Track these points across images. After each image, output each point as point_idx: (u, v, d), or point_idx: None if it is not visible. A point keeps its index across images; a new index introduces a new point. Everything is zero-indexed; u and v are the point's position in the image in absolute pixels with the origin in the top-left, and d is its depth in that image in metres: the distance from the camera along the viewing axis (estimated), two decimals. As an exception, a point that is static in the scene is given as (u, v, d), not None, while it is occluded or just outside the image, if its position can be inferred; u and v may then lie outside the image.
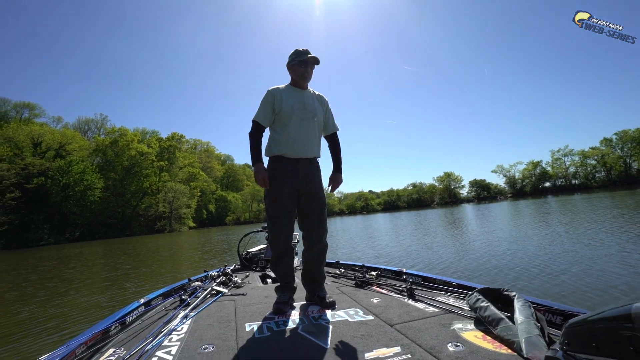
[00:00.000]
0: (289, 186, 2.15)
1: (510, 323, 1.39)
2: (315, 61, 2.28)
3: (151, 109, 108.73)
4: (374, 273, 2.78)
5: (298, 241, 3.53)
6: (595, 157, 63.34)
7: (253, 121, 2.22)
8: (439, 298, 2.07)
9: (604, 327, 0.74)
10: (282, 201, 2.15)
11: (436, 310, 1.87)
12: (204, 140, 76.36)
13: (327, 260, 2.96)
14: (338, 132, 2.46)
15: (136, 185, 49.80)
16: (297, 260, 3.60)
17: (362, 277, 2.71)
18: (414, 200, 75.21)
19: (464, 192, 76.01)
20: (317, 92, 2.38)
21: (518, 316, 1.39)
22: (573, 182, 66.06)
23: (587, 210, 14.53)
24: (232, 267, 3.79)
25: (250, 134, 2.19)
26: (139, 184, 49.82)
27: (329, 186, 2.36)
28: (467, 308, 1.81)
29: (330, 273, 3.10)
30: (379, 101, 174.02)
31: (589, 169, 64.62)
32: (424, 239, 10.25)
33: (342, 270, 3.12)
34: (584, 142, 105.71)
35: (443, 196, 73.29)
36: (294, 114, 2.17)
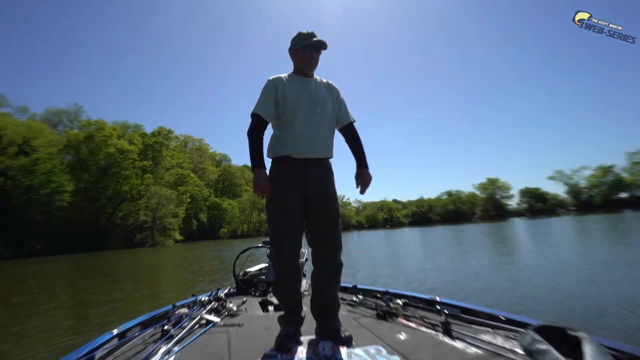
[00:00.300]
0: (296, 192, 2.18)
1: None
2: (322, 45, 2.32)
3: (134, 100, 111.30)
4: (399, 301, 2.76)
5: (307, 260, 3.55)
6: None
7: (253, 115, 2.24)
8: (482, 336, 2.03)
9: None
10: (287, 210, 2.16)
11: (480, 352, 1.82)
12: (196, 137, 77.58)
13: (342, 284, 2.95)
14: (355, 125, 2.49)
15: (113, 188, 50.62)
16: (305, 284, 3.62)
17: (386, 307, 2.68)
18: (450, 212, 74.71)
19: (512, 203, 75.38)
20: (324, 80, 2.43)
21: None
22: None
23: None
24: (226, 291, 3.81)
25: (249, 131, 2.22)
26: (117, 187, 50.66)
27: (357, 187, 2.37)
28: (520, 351, 1.75)
29: (345, 300, 3.10)
30: (404, 91, 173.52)
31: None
32: (464, 261, 10.17)
33: (361, 297, 3.11)
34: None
35: (486, 208, 72.65)
36: (300, 106, 2.22)
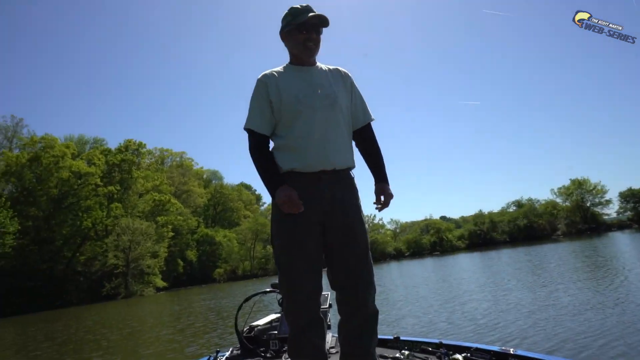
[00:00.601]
0: (310, 220, 2.20)
1: None
2: (322, 21, 2.34)
3: (91, 107, 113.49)
4: (459, 357, 2.78)
5: (330, 305, 3.65)
6: None
7: (246, 130, 2.33)
8: None
9: None
10: (300, 246, 2.19)
11: None
12: (175, 151, 78.51)
13: (379, 336, 2.94)
14: (373, 124, 2.58)
15: (72, 225, 51.28)
16: (330, 338, 3.64)
17: None
18: (521, 229, 73.31)
19: (610, 211, 73.53)
20: (331, 67, 2.48)
21: None
22: None
23: None
24: (227, 354, 3.84)
25: (250, 150, 2.31)
26: (77, 222, 51.36)
27: (375, 204, 2.44)
28: None
29: (387, 358, 3.12)
30: (449, 69, 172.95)
31: None
32: (552, 295, 10.06)
33: (406, 352, 3.15)
34: None
35: (573, 220, 71.33)
36: (302, 103, 2.24)
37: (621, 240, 32.39)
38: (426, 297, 12.70)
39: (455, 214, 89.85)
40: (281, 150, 2.27)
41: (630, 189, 71.57)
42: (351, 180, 2.37)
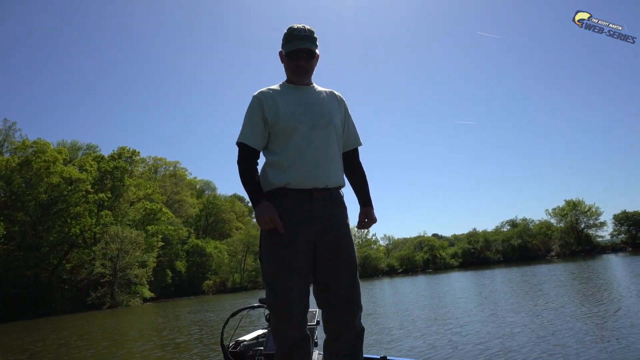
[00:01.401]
0: (301, 238, 2.23)
1: None
2: (310, 53, 2.40)
3: (87, 113, 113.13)
4: None
5: (318, 322, 3.63)
6: None
7: (238, 144, 2.38)
8: None
9: None
10: (290, 264, 2.21)
11: None
12: (169, 160, 78.54)
13: (365, 356, 3.00)
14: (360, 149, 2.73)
15: (59, 231, 50.75)
16: (316, 356, 3.64)
17: None
18: (515, 249, 73.77)
19: (604, 233, 74.07)
20: (326, 89, 2.57)
21: None
22: None
23: None
24: None
25: (238, 164, 2.36)
26: (64, 229, 50.84)
27: (359, 228, 2.66)
28: None
29: None
30: (444, 89, 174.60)
31: None
32: (552, 315, 10.02)
33: None
34: None
35: (566, 242, 71.58)
36: (298, 120, 2.30)
37: (615, 262, 32.70)
38: (414, 315, 12.74)
39: (448, 232, 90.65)
40: (275, 166, 2.30)
41: (624, 212, 72.35)
42: (341, 199, 2.44)
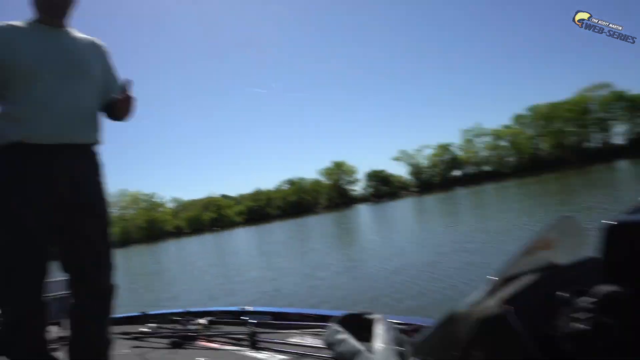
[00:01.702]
0: (39, 201, 1.85)
1: (370, 356, 1.41)
2: None
3: None
4: (202, 321, 2.89)
5: (64, 294, 2.76)
6: (508, 138, 78.21)
7: None
8: (291, 339, 2.32)
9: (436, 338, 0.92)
10: (24, 231, 1.82)
11: (285, 357, 2.12)
12: None
13: (129, 315, 3.14)
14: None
15: None
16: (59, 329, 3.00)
17: (184, 330, 2.81)
18: (292, 204, 78.48)
19: (358, 188, 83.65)
20: (86, 36, 2.16)
21: (377, 345, 1.43)
22: (484, 168, 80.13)
23: (496, 208, 18.34)
24: None
25: None
26: None
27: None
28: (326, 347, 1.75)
29: (129, 334, 2.98)
30: (241, 57, 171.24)
31: (501, 152, 79.13)
32: (308, 260, 11.30)
33: (155, 324, 3.09)
34: (498, 120, 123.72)
35: (331, 196, 79.06)
36: (44, 66, 1.89)
37: (362, 211, 37.19)
38: (202, 274, 13.22)
39: (234, 191, 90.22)
40: (10, 117, 1.86)
41: (373, 171, 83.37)
42: (94, 156, 2.07)
